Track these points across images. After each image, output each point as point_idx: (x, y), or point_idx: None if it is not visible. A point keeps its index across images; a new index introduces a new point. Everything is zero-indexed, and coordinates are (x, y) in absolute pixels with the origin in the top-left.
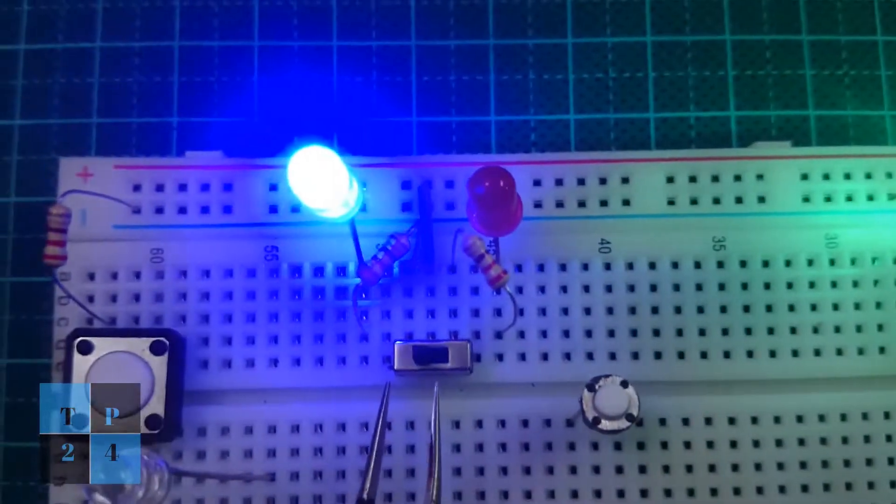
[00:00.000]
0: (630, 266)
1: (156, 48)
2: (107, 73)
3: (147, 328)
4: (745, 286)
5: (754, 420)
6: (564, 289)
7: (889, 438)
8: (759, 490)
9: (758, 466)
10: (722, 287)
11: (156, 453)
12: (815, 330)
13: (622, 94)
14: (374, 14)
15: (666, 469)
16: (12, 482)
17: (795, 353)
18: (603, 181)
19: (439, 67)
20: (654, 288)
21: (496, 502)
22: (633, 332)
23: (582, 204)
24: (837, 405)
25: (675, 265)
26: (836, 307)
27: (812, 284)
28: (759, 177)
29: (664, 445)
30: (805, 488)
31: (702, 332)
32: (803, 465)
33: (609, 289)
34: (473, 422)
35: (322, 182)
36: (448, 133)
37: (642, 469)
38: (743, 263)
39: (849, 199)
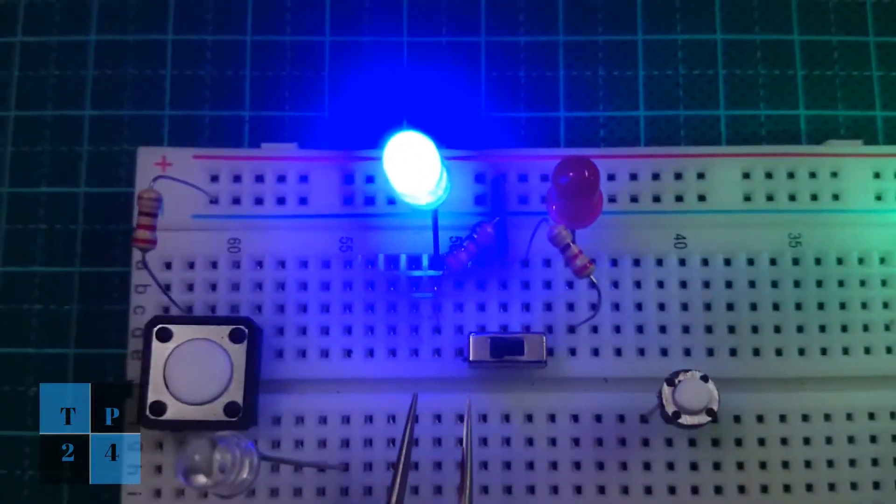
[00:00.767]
0: (705, 262)
1: (228, 42)
2: (179, 66)
3: (226, 316)
4: (819, 283)
5: (827, 417)
6: (638, 284)
7: None
8: (832, 487)
9: (830, 463)
10: (797, 284)
11: (246, 437)
12: (887, 328)
13: (692, 92)
14: (444, 10)
15: (740, 466)
16: None
17: (868, 351)
18: (678, 176)
19: (509, 63)
20: (729, 284)
21: (570, 497)
22: (708, 329)
23: (657, 199)
24: None
25: (750, 262)
26: None
27: (884, 282)
28: (834, 174)
29: (738, 442)
30: (876, 485)
31: (777, 330)
32: (875, 461)
33: (684, 285)
34: (546, 416)
35: (417, 167)
36: (517, 128)
37: (717, 466)
38: (818, 260)
39: None
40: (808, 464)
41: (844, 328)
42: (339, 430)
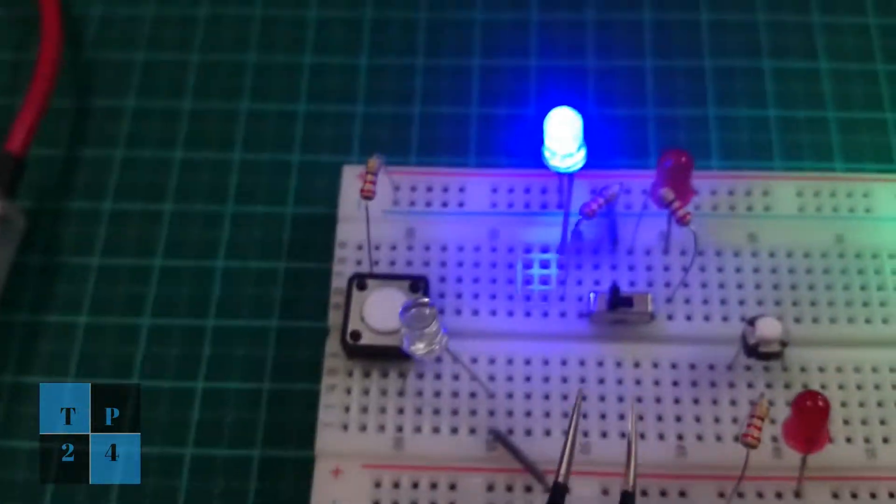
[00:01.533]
0: (772, 254)
1: (402, 113)
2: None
3: (406, 274)
4: (860, 272)
5: (874, 369)
6: (720, 269)
7: None
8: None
9: (879, 404)
10: (843, 272)
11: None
12: None
13: (753, 150)
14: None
15: None
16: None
17: None
18: (748, 193)
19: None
20: (791, 271)
21: (672, 424)
22: (777, 303)
23: (732, 208)
24: None
25: (805, 255)
26: None
27: None
28: (865, 195)
29: (804, 387)
30: None
31: (830, 304)
32: None
33: (756, 270)
34: (651, 364)
35: (568, 131)
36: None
37: (788, 404)
38: (857, 255)
39: None
40: (861, 404)
41: (882, 303)
42: (486, 368)
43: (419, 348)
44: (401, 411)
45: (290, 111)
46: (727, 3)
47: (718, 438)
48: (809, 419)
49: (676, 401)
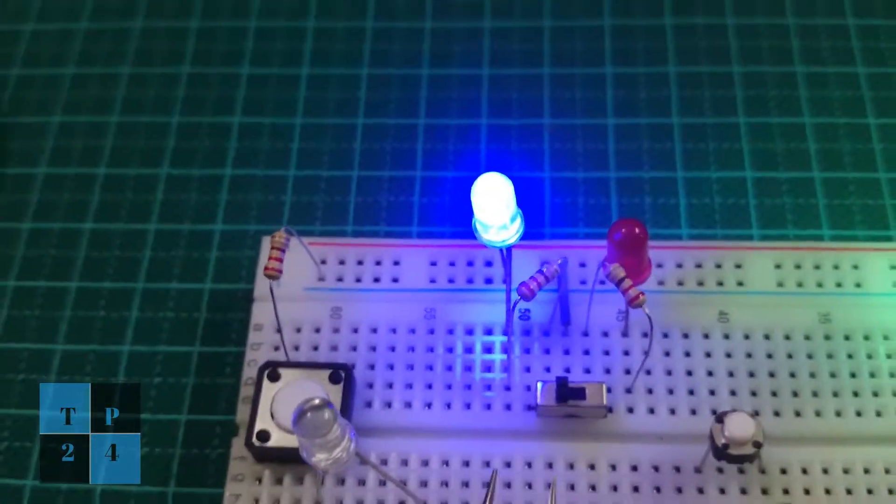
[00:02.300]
0: (747, 336)
1: (339, 176)
2: (297, 193)
3: (326, 362)
4: (850, 356)
5: (866, 470)
6: (688, 353)
7: None
8: None
9: None
10: (830, 356)
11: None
12: None
13: (728, 216)
14: (515, 154)
15: None
16: None
17: None
18: (718, 265)
19: (569, 192)
20: (770, 356)
21: None
22: (753, 393)
23: (700, 283)
24: None
25: (787, 337)
26: None
27: None
28: (855, 266)
29: (785, 492)
30: None
31: (815, 394)
32: None
33: (729, 355)
34: (608, 465)
35: (497, 200)
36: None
37: None
38: (847, 336)
39: None
40: None
41: (875, 393)
42: (419, 471)
43: (320, 459)
44: None
45: (215, 175)
46: (700, 58)
47: None
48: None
49: None
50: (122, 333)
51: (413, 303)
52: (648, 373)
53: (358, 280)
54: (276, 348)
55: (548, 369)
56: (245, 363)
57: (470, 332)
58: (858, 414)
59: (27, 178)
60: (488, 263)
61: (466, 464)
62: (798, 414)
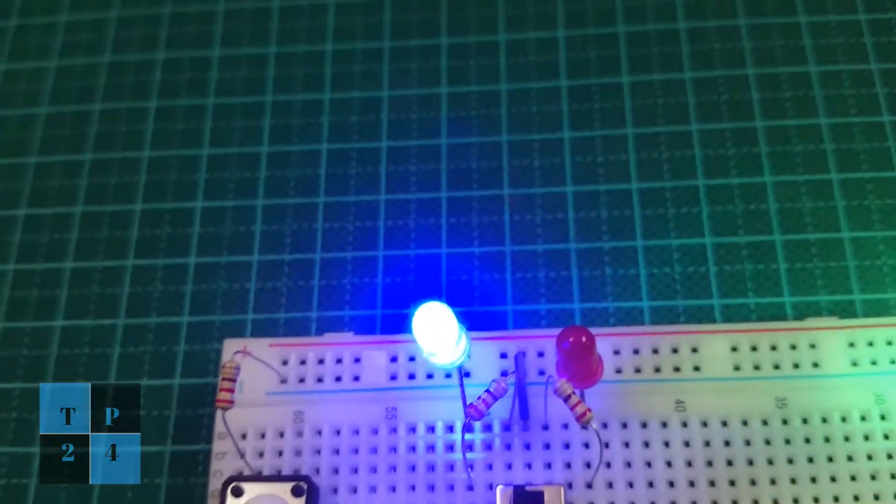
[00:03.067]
0: (704, 424)
1: (302, 259)
2: (262, 279)
3: (288, 475)
4: (807, 440)
5: None
6: (647, 444)
7: None
8: None
9: None
10: (787, 441)
11: None
12: (873, 477)
13: (688, 285)
14: (476, 228)
15: None
16: None
17: (857, 498)
18: (675, 350)
19: (531, 266)
20: (727, 443)
21: None
22: (711, 483)
23: (657, 370)
24: None
25: (744, 423)
26: (889, 456)
27: (867, 437)
28: (812, 346)
29: None
30: None
31: (773, 482)
32: None
33: (687, 444)
34: None
35: (438, 329)
36: (538, 319)
37: None
38: (804, 420)
39: (893, 362)
40: None
41: (833, 478)
42: None
43: None
44: None
45: (180, 264)
46: (658, 119)
47: None
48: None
49: None
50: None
51: (374, 402)
52: (609, 465)
53: (320, 380)
54: (244, 454)
55: (509, 465)
56: (210, 474)
57: (431, 429)
58: (816, 501)
59: None
60: None
61: None
62: (756, 503)
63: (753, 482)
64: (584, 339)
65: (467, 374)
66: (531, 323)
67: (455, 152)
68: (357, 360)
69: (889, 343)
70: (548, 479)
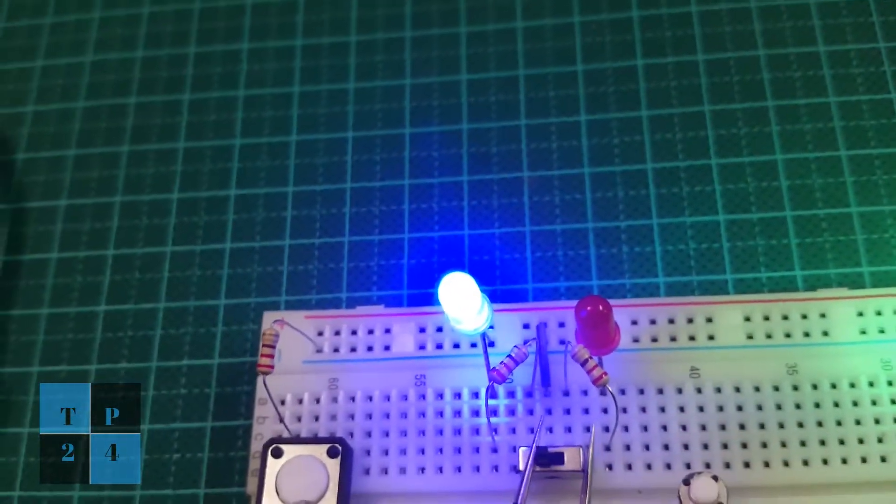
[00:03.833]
0: (718, 390)
1: (331, 243)
2: (294, 263)
3: (324, 437)
4: (817, 405)
5: None
6: (663, 409)
7: None
8: None
9: None
10: (798, 406)
11: None
12: (880, 440)
13: (702, 261)
14: (496, 210)
15: None
16: None
17: (864, 460)
18: (690, 320)
19: (549, 245)
20: (739, 408)
21: None
22: (724, 446)
23: (673, 339)
24: None
25: (756, 388)
26: None
27: (874, 402)
28: (822, 315)
29: None
30: None
31: (783, 444)
32: None
33: (701, 409)
34: None
35: (461, 297)
36: (557, 296)
37: None
38: (814, 386)
39: None
40: None
41: (842, 441)
42: None
43: None
44: None
45: (216, 249)
46: (672, 100)
47: None
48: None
49: None
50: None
51: (404, 370)
52: (626, 429)
53: (353, 350)
54: (281, 420)
55: (531, 430)
56: (252, 437)
57: (458, 395)
58: (825, 462)
59: (41, 264)
60: None
61: None
62: (767, 465)
63: (765, 445)
64: (600, 308)
65: (492, 344)
66: (551, 299)
67: (475, 137)
68: (387, 331)
69: None
70: (568, 442)
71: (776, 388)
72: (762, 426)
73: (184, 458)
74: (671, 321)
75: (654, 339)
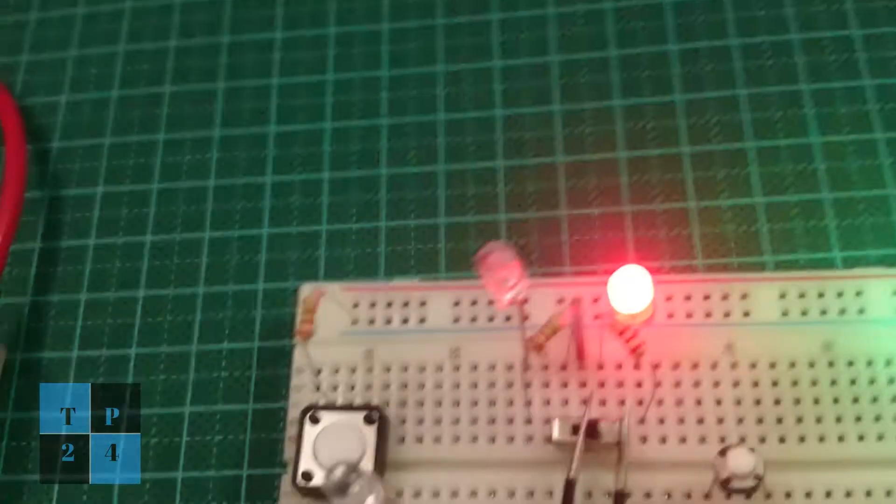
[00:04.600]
0: (753, 366)
1: (367, 228)
2: (330, 247)
3: (361, 405)
4: (853, 381)
5: (868, 493)
6: (697, 384)
7: None
8: None
9: None
10: (833, 383)
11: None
12: None
13: (741, 243)
14: (531, 195)
15: None
16: None
17: None
18: (725, 297)
19: (586, 228)
20: (775, 384)
21: None
22: (759, 420)
23: (708, 315)
24: None
25: (792, 364)
26: None
27: None
28: (858, 293)
29: None
30: None
31: (818, 420)
32: None
33: (736, 384)
34: None
35: (499, 267)
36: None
37: None
38: (850, 363)
39: None
40: None
41: (878, 418)
42: (449, 502)
43: None
44: None
45: (253, 235)
46: (705, 84)
47: None
48: None
49: None
50: (181, 395)
51: (439, 343)
52: (660, 403)
53: (388, 322)
54: (319, 388)
55: (566, 402)
56: (289, 404)
57: (492, 368)
58: (860, 438)
59: (79, 250)
60: None
61: (492, 493)
62: (802, 440)
63: (800, 420)
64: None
65: (526, 318)
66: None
67: (509, 123)
68: (423, 304)
69: None
70: (602, 414)
71: (811, 365)
72: (797, 402)
73: (226, 440)
74: (706, 297)
75: (689, 315)
